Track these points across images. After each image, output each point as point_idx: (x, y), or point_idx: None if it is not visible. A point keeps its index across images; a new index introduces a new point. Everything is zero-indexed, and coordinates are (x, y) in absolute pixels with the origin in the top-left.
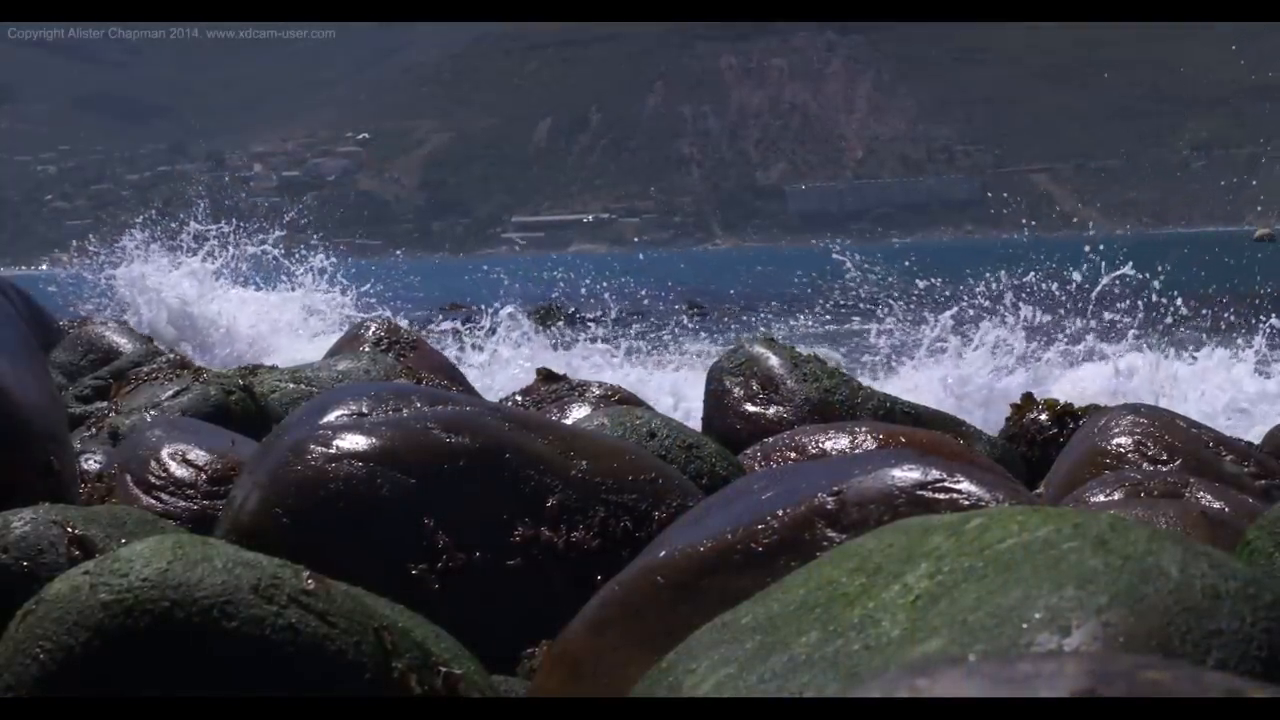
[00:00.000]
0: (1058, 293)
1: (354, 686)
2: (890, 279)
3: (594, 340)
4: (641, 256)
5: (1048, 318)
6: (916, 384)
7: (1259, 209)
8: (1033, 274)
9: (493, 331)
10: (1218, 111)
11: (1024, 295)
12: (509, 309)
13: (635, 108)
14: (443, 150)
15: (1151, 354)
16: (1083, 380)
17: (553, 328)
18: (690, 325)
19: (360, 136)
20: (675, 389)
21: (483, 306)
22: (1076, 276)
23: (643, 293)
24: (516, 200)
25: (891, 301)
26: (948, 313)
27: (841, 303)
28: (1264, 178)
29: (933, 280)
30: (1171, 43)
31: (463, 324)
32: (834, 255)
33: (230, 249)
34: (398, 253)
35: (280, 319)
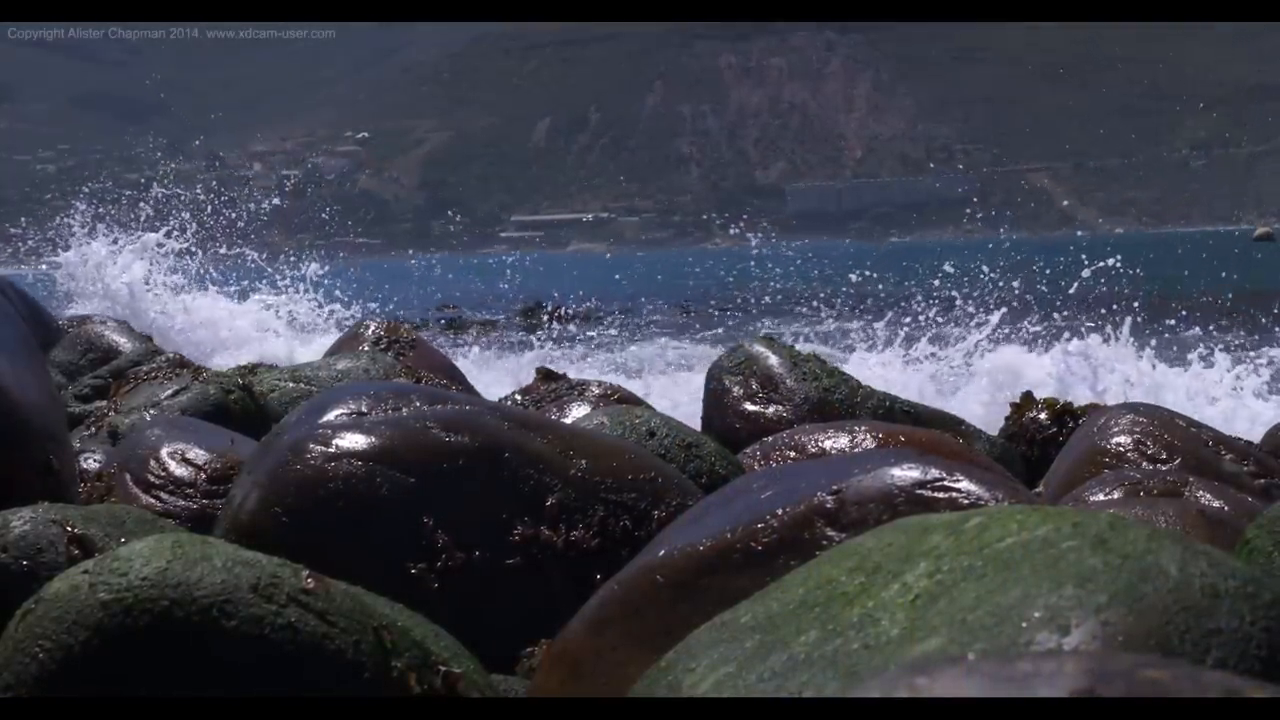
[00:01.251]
0: (1018, 288)
1: (353, 686)
2: (815, 274)
3: (560, 342)
4: (613, 269)
5: (1033, 311)
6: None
7: (1259, 209)
8: (981, 271)
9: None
10: (1217, 111)
11: (998, 292)
12: (475, 349)
13: (634, 107)
14: (442, 150)
15: (1112, 345)
16: (1014, 364)
17: (537, 331)
18: (676, 325)
19: (360, 136)
20: (648, 390)
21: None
22: (1047, 270)
23: (624, 298)
24: (516, 200)
25: (818, 301)
26: (881, 323)
27: (747, 300)
28: (1264, 178)
29: (866, 273)
30: (1171, 43)
31: (448, 326)
32: (734, 232)
33: (204, 229)
34: (412, 260)
35: (258, 330)
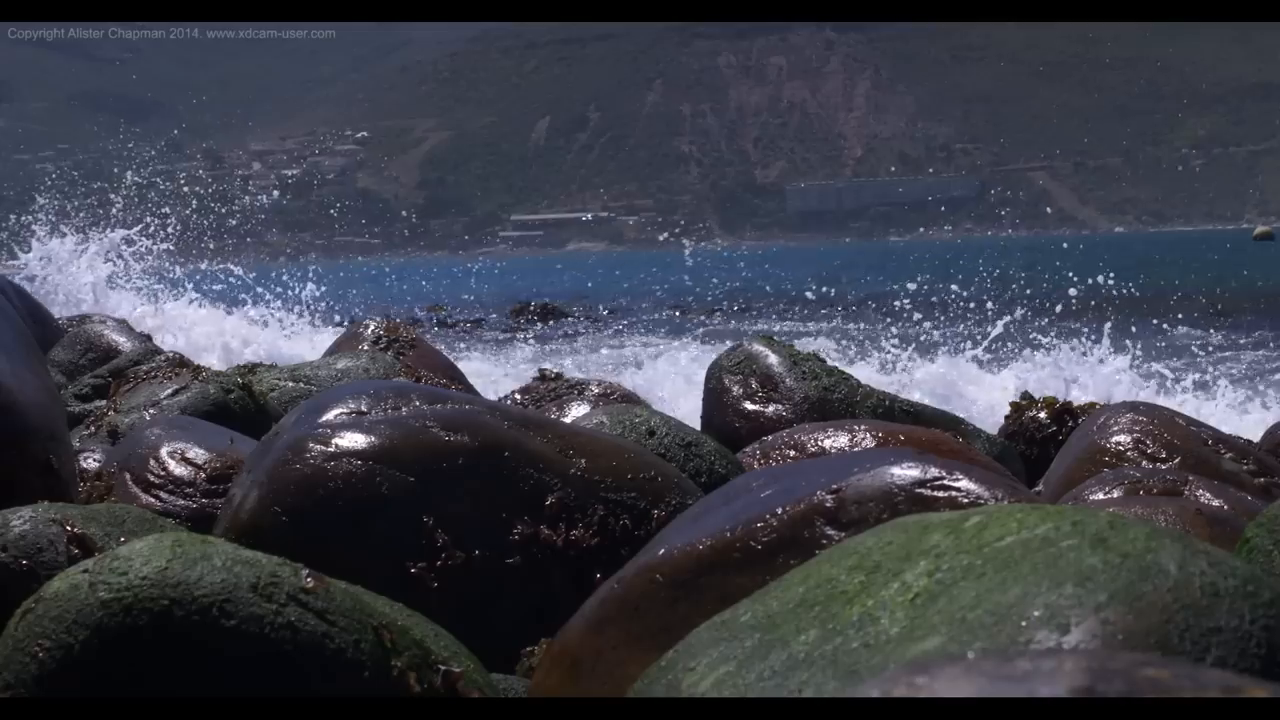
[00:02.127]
0: (992, 309)
1: (353, 685)
2: (766, 286)
3: (547, 340)
4: (613, 268)
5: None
6: None
7: (1259, 209)
8: (951, 292)
9: None
10: (1217, 110)
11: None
12: (464, 348)
13: (634, 106)
14: (441, 149)
15: (1089, 361)
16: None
17: (522, 330)
18: (667, 325)
19: (359, 135)
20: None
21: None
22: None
23: (624, 294)
24: (515, 199)
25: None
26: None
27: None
28: (1264, 177)
29: (821, 289)
30: (1171, 43)
31: (436, 326)
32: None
33: (188, 229)
34: (388, 268)
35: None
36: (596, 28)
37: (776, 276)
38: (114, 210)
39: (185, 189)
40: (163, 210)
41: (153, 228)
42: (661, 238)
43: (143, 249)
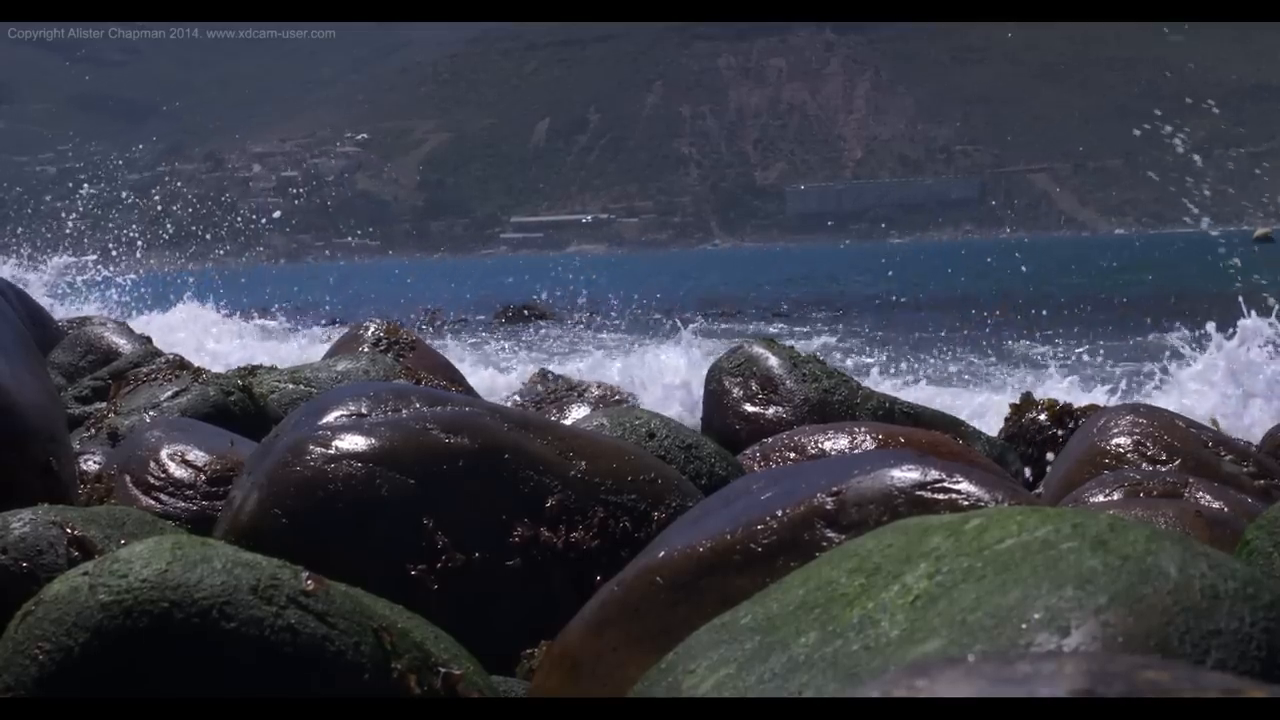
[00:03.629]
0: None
1: (353, 687)
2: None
3: (538, 343)
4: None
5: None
6: None
7: (1259, 209)
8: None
9: None
10: (1217, 111)
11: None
12: (457, 350)
13: (634, 108)
14: (441, 150)
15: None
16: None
17: (522, 334)
18: (665, 327)
19: (359, 136)
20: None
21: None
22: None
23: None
24: (515, 200)
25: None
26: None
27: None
28: (1264, 177)
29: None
30: (1171, 43)
31: (428, 327)
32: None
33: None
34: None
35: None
36: (596, 29)
37: (775, 278)
38: (66, 229)
39: (158, 200)
40: (129, 230)
41: (115, 251)
42: (575, 247)
43: (97, 276)
